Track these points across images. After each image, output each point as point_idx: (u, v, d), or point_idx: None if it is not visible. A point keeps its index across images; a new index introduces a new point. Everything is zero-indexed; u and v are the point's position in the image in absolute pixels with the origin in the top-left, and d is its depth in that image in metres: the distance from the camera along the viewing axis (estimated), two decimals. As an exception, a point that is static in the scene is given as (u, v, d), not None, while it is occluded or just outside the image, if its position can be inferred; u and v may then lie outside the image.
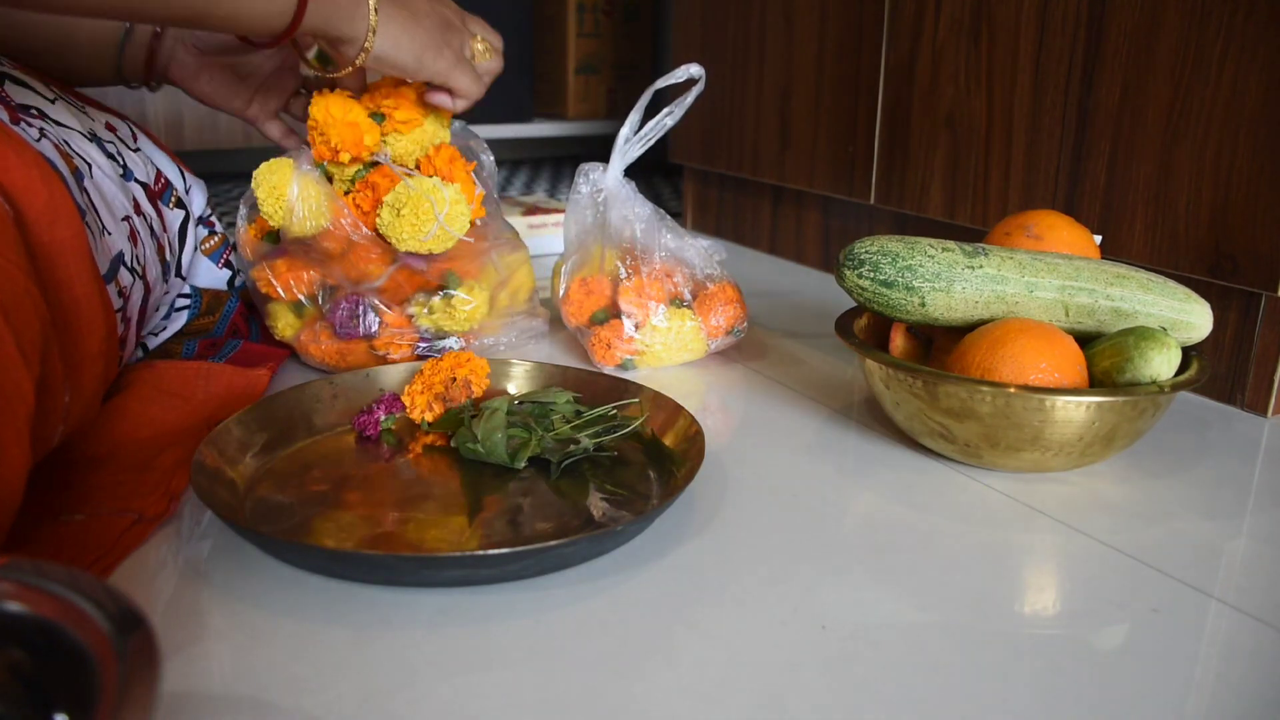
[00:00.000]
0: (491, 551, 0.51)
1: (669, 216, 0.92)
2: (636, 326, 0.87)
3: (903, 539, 0.60)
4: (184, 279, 0.86)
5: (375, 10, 0.66)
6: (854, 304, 0.80)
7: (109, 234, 0.68)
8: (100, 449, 0.65)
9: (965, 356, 0.67)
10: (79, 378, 0.58)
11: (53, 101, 0.72)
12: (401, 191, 0.79)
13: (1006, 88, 0.96)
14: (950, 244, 0.71)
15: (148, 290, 0.75)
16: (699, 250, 0.93)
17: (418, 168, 0.84)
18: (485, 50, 0.77)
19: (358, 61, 0.69)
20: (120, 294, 0.69)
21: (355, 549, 0.54)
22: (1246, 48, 0.76)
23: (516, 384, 0.78)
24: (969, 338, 0.68)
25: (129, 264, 0.70)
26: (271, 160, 0.83)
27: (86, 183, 0.67)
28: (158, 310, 0.83)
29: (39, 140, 0.63)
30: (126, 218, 0.72)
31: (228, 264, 0.90)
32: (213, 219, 0.92)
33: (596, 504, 0.61)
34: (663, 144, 1.24)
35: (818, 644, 0.49)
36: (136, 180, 0.78)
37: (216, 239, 0.90)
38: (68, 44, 0.78)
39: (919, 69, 1.06)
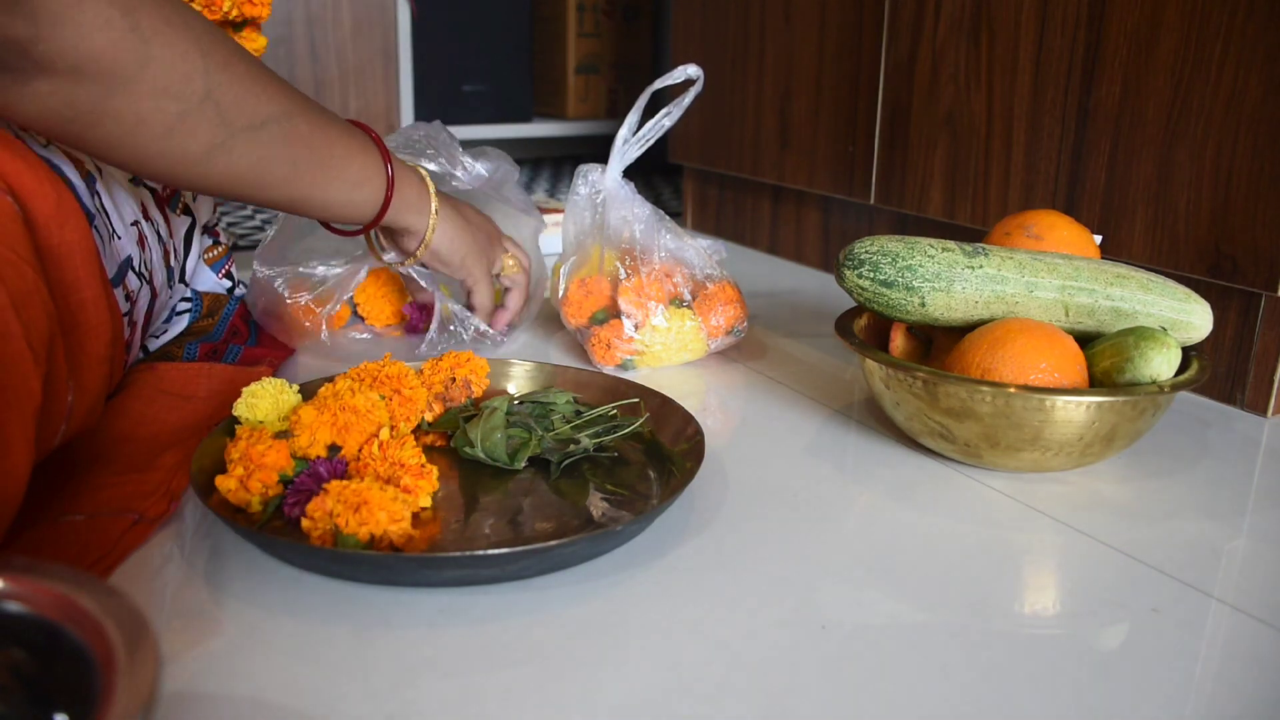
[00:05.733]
0: (491, 551, 0.51)
1: (668, 217, 0.92)
2: (636, 327, 0.87)
3: (903, 539, 0.60)
4: (186, 284, 0.86)
5: (436, 212, 0.77)
6: (854, 304, 0.80)
7: (119, 238, 0.68)
8: (101, 449, 0.65)
9: (965, 356, 0.67)
10: (83, 379, 0.58)
11: None
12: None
13: (1006, 88, 0.96)
14: (950, 244, 0.71)
15: (154, 295, 0.75)
16: (699, 250, 0.93)
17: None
18: (514, 265, 0.88)
19: (417, 253, 0.79)
20: (128, 298, 0.69)
21: (355, 549, 0.54)
22: (1246, 48, 0.76)
23: (516, 384, 0.78)
24: (969, 338, 0.68)
25: (137, 268, 0.71)
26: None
27: (98, 185, 0.67)
28: (160, 314, 0.83)
29: (48, 145, 0.63)
30: (135, 222, 0.72)
31: (228, 275, 0.90)
32: (218, 228, 0.92)
33: (596, 504, 0.61)
34: (662, 144, 1.24)
35: (818, 644, 0.49)
36: (145, 185, 0.78)
37: (220, 249, 0.90)
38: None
39: (919, 69, 1.06)
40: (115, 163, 0.59)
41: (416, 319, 0.96)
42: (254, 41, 0.88)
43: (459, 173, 0.93)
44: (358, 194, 0.71)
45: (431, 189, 0.77)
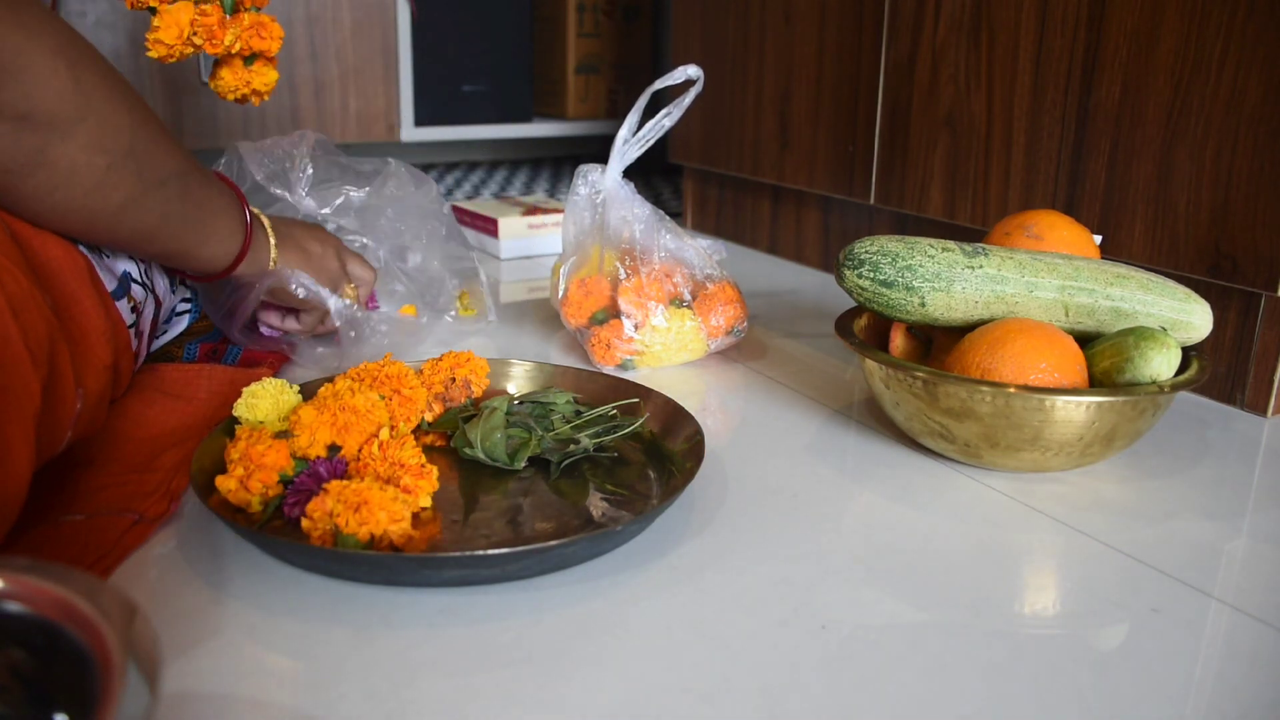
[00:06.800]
0: (491, 551, 0.51)
1: (668, 217, 0.92)
2: (636, 327, 0.87)
3: (903, 539, 0.60)
4: (187, 285, 0.86)
5: (275, 250, 0.78)
6: (854, 304, 0.80)
7: (108, 255, 0.69)
8: (101, 449, 0.65)
9: (965, 356, 0.67)
10: (88, 386, 0.59)
11: None
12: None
13: (1006, 88, 0.96)
14: (950, 244, 0.71)
15: (158, 304, 0.76)
16: (699, 250, 0.93)
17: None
18: (352, 294, 0.87)
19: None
20: (134, 309, 0.69)
21: (355, 549, 0.54)
22: (1246, 48, 0.76)
23: (516, 384, 0.78)
24: (969, 338, 0.68)
25: (138, 279, 0.71)
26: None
27: None
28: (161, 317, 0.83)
29: None
30: None
31: None
32: None
33: (596, 504, 0.62)
34: (662, 144, 1.24)
35: (818, 644, 0.49)
36: None
37: None
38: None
39: (919, 69, 1.06)
40: (31, 215, 0.59)
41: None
42: (265, 75, 0.88)
43: (290, 197, 0.95)
44: (222, 249, 0.73)
45: (271, 238, 0.78)
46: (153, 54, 0.81)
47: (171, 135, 0.65)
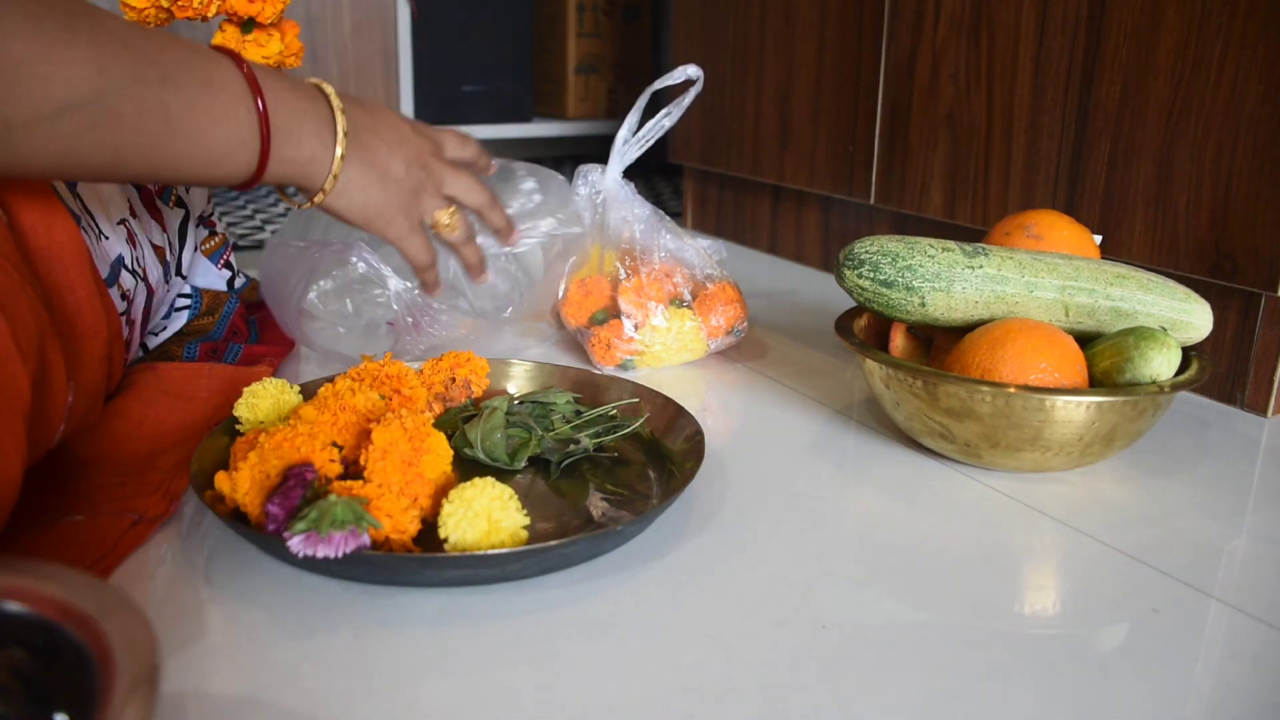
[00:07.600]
0: (491, 551, 0.51)
1: (668, 218, 0.92)
2: (636, 327, 0.87)
3: (903, 539, 0.60)
4: (184, 278, 0.86)
5: (339, 162, 0.65)
6: (854, 304, 0.80)
7: (106, 238, 0.68)
8: (101, 449, 0.65)
9: (965, 356, 0.67)
10: (82, 379, 0.58)
11: None
12: None
13: (1006, 88, 0.96)
14: (950, 244, 0.71)
15: (150, 292, 0.75)
16: (699, 250, 0.93)
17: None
18: (450, 225, 0.74)
19: (310, 203, 0.67)
20: (123, 297, 0.69)
21: (356, 549, 0.53)
22: (1246, 48, 0.76)
23: (516, 384, 0.78)
24: (969, 338, 0.68)
25: (129, 266, 0.71)
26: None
27: (80, 187, 0.67)
28: (159, 310, 0.83)
29: None
30: (123, 220, 0.72)
31: (228, 265, 0.90)
32: (214, 219, 0.92)
33: (596, 504, 0.61)
34: (662, 144, 1.24)
35: (818, 644, 0.49)
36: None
37: (216, 239, 0.90)
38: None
39: (919, 69, 1.06)
40: None
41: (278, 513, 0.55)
42: (264, 47, 0.81)
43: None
44: (219, 171, 0.60)
45: (340, 132, 0.65)
46: (128, 18, 0.74)
47: (82, 48, 0.50)
